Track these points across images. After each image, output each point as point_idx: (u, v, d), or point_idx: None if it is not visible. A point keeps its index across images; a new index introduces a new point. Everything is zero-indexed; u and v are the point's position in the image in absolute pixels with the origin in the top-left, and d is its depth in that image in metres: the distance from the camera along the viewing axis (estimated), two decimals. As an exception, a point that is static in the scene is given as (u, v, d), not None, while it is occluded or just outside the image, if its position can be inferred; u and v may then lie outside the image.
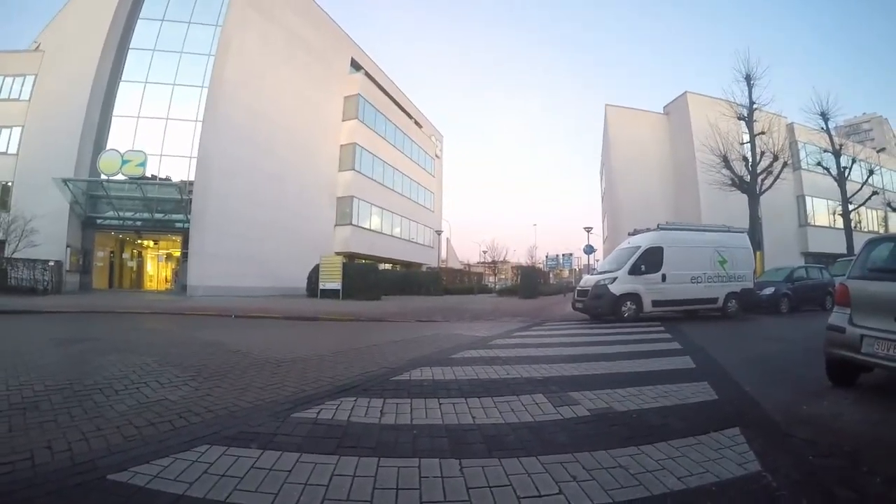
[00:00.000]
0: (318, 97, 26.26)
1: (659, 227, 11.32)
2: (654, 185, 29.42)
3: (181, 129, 20.19)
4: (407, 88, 47.52)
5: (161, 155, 20.03)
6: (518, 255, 59.83)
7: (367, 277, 19.20)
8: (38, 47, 23.28)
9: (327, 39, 27.73)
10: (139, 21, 21.29)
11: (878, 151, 30.68)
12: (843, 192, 21.81)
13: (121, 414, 3.06)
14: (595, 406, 3.34)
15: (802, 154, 28.90)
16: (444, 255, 43.83)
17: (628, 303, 10.36)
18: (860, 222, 27.59)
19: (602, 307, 10.41)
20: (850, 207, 21.82)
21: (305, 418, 3.01)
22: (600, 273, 11.65)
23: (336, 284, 18.34)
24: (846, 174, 22.15)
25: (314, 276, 19.22)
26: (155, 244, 25.11)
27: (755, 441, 2.57)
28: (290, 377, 4.26)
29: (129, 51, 21.00)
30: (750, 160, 19.20)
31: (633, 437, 2.67)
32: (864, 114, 68.75)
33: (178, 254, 22.80)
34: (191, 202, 19.13)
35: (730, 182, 19.21)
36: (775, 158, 18.88)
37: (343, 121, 28.06)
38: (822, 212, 29.71)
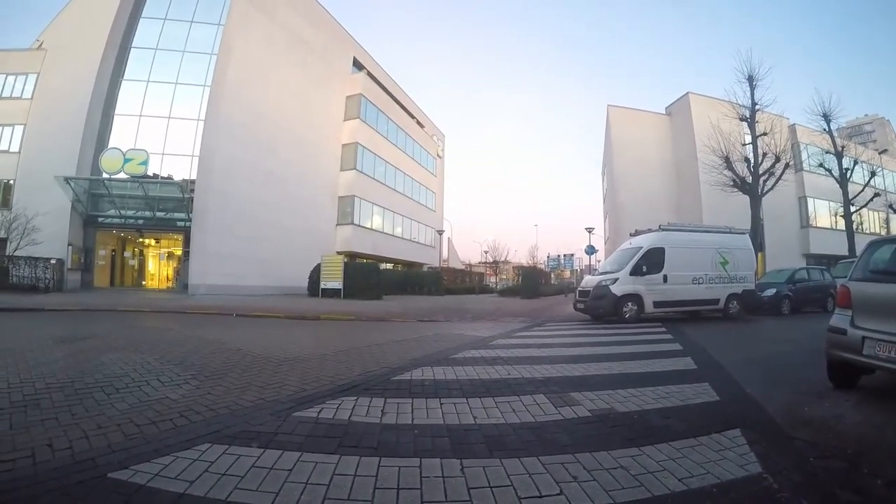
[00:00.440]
0: (320, 96, 26.27)
1: (660, 228, 11.30)
2: (655, 186, 29.41)
3: (183, 127, 20.20)
4: (409, 88, 47.57)
5: (163, 154, 20.05)
6: (519, 256, 59.84)
7: (368, 277, 19.22)
8: (40, 46, 23.33)
9: (329, 39, 27.74)
10: (141, 20, 21.31)
11: (880, 153, 30.63)
12: (845, 193, 21.75)
13: (122, 412, 3.06)
14: (596, 407, 3.34)
15: (804, 155, 28.84)
16: (445, 254, 43.82)
17: (630, 304, 10.35)
18: (862, 224, 27.54)
19: (603, 308, 10.40)
20: (852, 209, 21.78)
21: (306, 417, 3.01)
22: (602, 274, 11.65)
23: (337, 284, 18.36)
24: (848, 176, 22.10)
25: (315, 275, 19.23)
26: (156, 243, 25.16)
27: (756, 443, 2.57)
28: (291, 376, 4.27)
29: (132, 49, 21.02)
30: (752, 161, 19.15)
31: (635, 438, 2.67)
32: (867, 115, 68.64)
33: (179, 252, 22.84)
34: (192, 201, 19.14)
35: (731, 183, 19.17)
36: (777, 160, 18.84)
37: (345, 120, 28.06)
38: (823, 213, 29.66)
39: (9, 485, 1.99)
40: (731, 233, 12.10)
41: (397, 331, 8.35)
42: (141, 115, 20.29)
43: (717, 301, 11.19)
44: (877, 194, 22.85)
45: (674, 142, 30.48)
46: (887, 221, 30.47)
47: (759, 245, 16.36)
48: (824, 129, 22.07)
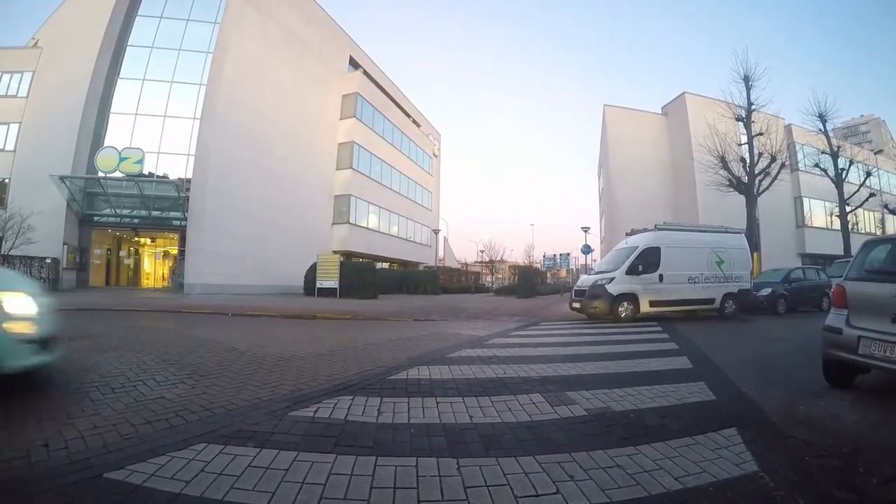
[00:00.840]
0: (316, 95, 26.20)
1: (656, 228, 11.33)
2: (651, 186, 29.47)
3: (179, 126, 20.13)
4: (405, 87, 47.45)
5: (158, 152, 19.98)
6: (515, 255, 60.01)
7: (364, 276, 19.18)
8: (36, 44, 23.21)
9: (326, 37, 27.66)
10: (137, 18, 21.22)
11: (875, 153, 30.89)
12: (841, 193, 21.91)
13: (117, 412, 3.04)
14: (592, 406, 3.34)
15: (800, 155, 29.00)
16: (441, 254, 43.83)
17: (625, 303, 10.36)
18: (857, 224, 27.74)
19: (599, 307, 10.41)
20: (848, 209, 21.92)
21: (302, 417, 3.00)
22: (598, 273, 11.65)
23: (333, 283, 18.31)
24: (844, 176, 22.26)
25: (311, 274, 19.19)
26: (152, 242, 25.08)
27: (752, 441, 2.58)
28: (287, 375, 4.25)
29: (127, 48, 20.93)
30: (748, 161, 19.26)
31: (631, 437, 2.67)
32: (862, 115, 68.96)
33: (175, 251, 22.75)
34: (188, 200, 19.07)
35: (727, 183, 19.27)
36: (773, 160, 18.95)
37: (341, 119, 28.00)
38: (819, 213, 29.82)
39: (4, 485, 1.98)
40: (726, 232, 12.14)
41: (393, 330, 8.34)
42: (137, 114, 20.21)
43: (712, 300, 11.22)
44: (872, 194, 23.02)
45: (670, 141, 30.55)
46: (883, 222, 30.66)
47: (754, 245, 16.46)
48: (820, 130, 22.23)
